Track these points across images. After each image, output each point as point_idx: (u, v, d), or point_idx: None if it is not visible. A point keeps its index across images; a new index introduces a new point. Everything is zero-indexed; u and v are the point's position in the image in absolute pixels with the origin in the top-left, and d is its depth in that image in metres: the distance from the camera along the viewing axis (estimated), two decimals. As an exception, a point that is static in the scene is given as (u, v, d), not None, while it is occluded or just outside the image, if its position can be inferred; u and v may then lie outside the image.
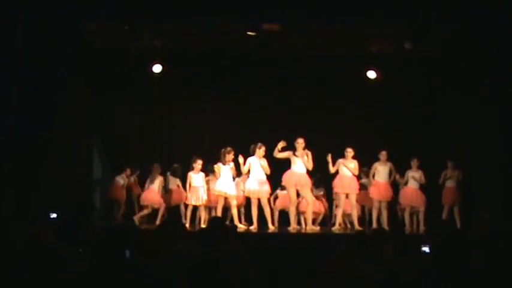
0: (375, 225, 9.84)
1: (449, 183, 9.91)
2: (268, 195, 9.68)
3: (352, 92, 11.02)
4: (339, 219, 9.90)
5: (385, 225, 9.77)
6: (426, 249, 4.48)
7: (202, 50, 10.45)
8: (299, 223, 9.91)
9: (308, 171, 9.58)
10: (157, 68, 10.49)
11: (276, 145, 9.44)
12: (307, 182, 9.57)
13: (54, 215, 6.76)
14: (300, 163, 9.47)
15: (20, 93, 8.53)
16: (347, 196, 9.82)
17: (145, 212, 10.29)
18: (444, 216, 9.82)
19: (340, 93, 11.15)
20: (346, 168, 9.74)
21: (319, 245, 7.81)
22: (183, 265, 3.82)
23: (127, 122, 11.62)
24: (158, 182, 10.22)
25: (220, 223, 5.24)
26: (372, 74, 10.51)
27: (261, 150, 9.55)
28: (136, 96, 11.39)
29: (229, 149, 9.62)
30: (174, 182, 10.41)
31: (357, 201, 10.08)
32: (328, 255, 4.59)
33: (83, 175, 10.55)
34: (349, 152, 9.77)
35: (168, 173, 10.42)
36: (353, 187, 9.80)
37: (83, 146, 10.61)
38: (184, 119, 11.56)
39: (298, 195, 9.66)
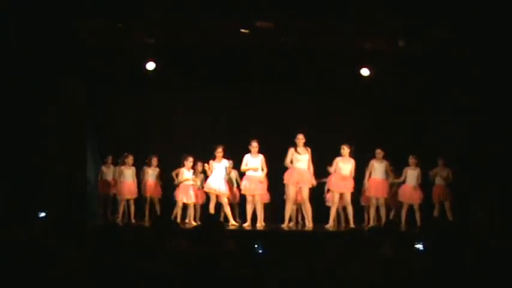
0: (372, 222, 9.84)
1: (439, 181, 9.99)
2: (264, 192, 9.68)
3: (345, 90, 11.00)
4: (332, 217, 9.88)
5: (383, 222, 9.75)
6: (420, 246, 4.48)
7: (195, 47, 10.42)
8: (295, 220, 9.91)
9: (309, 168, 9.55)
10: (150, 66, 10.46)
11: (270, 141, 9.44)
12: (309, 179, 9.55)
13: (42, 214, 6.73)
14: (302, 160, 9.43)
15: (13, 92, 8.50)
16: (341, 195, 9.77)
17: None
18: (436, 213, 9.87)
19: (333, 90, 11.12)
20: (344, 167, 9.70)
21: (312, 242, 7.80)
22: (177, 263, 3.81)
23: (120, 120, 11.57)
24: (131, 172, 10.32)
25: (214, 220, 5.23)
26: (365, 72, 10.51)
27: (252, 147, 9.54)
28: (129, 94, 11.34)
29: (218, 146, 9.68)
30: (153, 174, 10.46)
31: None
32: (323, 254, 4.59)
33: (76, 175, 10.48)
34: (345, 149, 9.72)
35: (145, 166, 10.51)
36: (348, 186, 9.73)
37: (76, 145, 10.56)
38: (178, 117, 11.53)
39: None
